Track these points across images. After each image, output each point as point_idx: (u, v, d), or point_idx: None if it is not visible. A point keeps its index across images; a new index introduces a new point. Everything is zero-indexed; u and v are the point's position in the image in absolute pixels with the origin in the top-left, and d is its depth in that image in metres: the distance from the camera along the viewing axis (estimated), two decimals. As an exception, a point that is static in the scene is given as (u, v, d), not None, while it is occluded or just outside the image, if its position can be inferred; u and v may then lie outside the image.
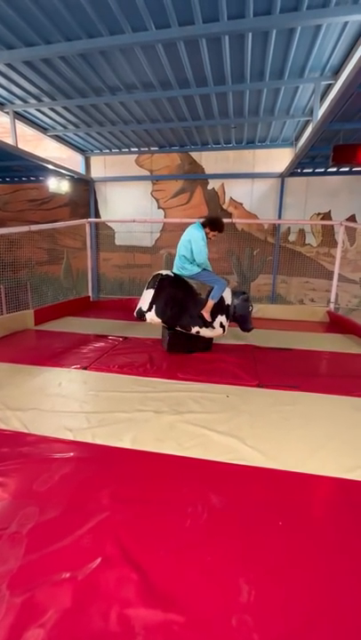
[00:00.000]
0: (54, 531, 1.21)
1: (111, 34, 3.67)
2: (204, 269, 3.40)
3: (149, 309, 3.26)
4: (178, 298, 3.26)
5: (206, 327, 3.28)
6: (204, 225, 3.31)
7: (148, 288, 3.34)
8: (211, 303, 3.26)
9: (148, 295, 3.30)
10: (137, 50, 3.98)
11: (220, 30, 3.50)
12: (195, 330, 3.27)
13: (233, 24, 3.43)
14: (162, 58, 4.13)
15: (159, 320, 3.26)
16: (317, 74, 4.51)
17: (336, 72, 4.42)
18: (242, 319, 3.48)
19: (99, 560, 1.09)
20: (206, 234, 3.31)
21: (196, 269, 3.34)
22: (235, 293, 3.49)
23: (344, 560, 1.14)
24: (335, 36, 3.71)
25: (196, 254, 3.26)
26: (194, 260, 3.31)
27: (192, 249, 3.27)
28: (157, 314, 3.24)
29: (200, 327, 3.28)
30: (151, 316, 3.26)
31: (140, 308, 3.33)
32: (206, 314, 3.26)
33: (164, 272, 3.40)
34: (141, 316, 3.32)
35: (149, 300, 3.26)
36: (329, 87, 4.79)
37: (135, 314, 3.39)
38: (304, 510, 1.37)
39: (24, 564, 1.07)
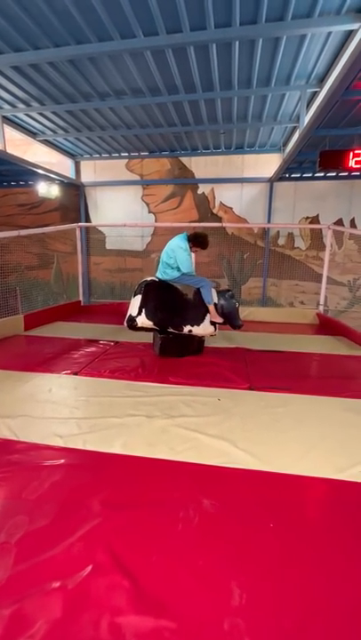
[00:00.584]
0: (44, 539, 1.19)
1: (100, 40, 3.70)
2: (185, 274, 3.46)
3: (139, 314, 3.28)
4: (166, 299, 3.32)
5: (198, 325, 3.33)
6: (189, 239, 3.42)
7: (135, 295, 3.40)
8: (211, 308, 3.36)
9: (135, 301, 3.34)
10: (125, 56, 4.01)
11: (208, 38, 3.56)
12: (187, 329, 3.31)
13: (220, 32, 3.49)
14: (150, 64, 4.17)
15: (151, 323, 3.27)
16: (303, 81, 4.61)
17: (321, 80, 4.53)
18: (230, 316, 3.53)
19: (90, 568, 1.08)
20: (190, 247, 3.43)
21: (177, 274, 3.42)
22: (219, 292, 3.55)
23: (336, 560, 1.15)
24: (319, 46, 3.81)
25: (180, 264, 3.35)
26: (176, 267, 3.40)
27: (176, 258, 3.35)
28: (148, 317, 3.26)
29: (192, 326, 3.32)
30: (142, 320, 3.27)
31: (130, 315, 3.34)
32: (215, 318, 3.37)
33: (149, 278, 3.49)
34: (132, 322, 3.32)
35: (138, 305, 3.30)
36: (315, 94, 4.90)
37: (125, 323, 3.40)
38: (296, 512, 1.37)
39: (13, 575, 1.05)
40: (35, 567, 1.08)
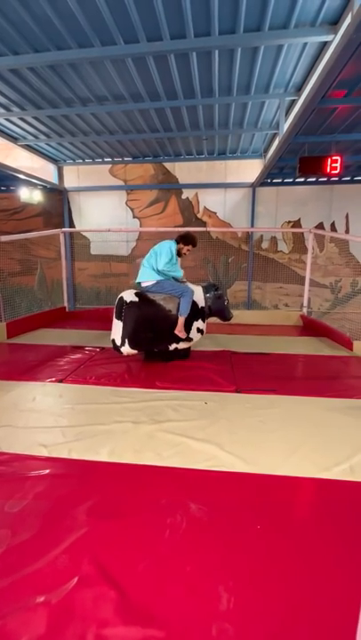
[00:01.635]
0: (27, 553, 1.16)
1: (80, 47, 3.70)
2: (167, 279, 3.32)
3: (123, 344, 3.17)
4: (147, 321, 3.15)
5: (184, 342, 3.30)
6: (177, 241, 3.39)
7: (116, 318, 3.21)
8: (181, 320, 3.20)
9: (117, 327, 3.18)
10: (107, 63, 4.03)
11: (187, 47, 3.62)
12: (172, 347, 3.27)
13: (199, 41, 3.56)
14: (132, 71, 4.21)
15: (135, 351, 3.22)
16: (282, 90, 4.75)
17: (299, 89, 4.67)
18: (219, 313, 3.50)
19: (75, 580, 1.06)
20: (180, 249, 3.38)
21: (155, 276, 3.28)
22: (205, 288, 3.45)
23: (321, 559, 1.16)
24: (296, 56, 3.93)
25: (159, 257, 3.24)
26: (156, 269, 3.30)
27: (159, 254, 3.27)
28: (132, 347, 3.16)
29: (177, 343, 3.27)
30: (127, 350, 3.19)
31: (114, 342, 3.22)
32: (179, 332, 3.20)
33: (127, 296, 3.21)
34: (117, 350, 3.22)
35: (120, 335, 3.16)
36: (293, 102, 5.04)
37: (112, 346, 3.29)
38: (283, 512, 1.39)
39: (-5, 592, 1.02)
40: (17, 583, 1.05)
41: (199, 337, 3.39)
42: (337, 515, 1.37)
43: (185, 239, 3.39)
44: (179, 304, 3.24)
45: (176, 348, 3.28)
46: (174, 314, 3.22)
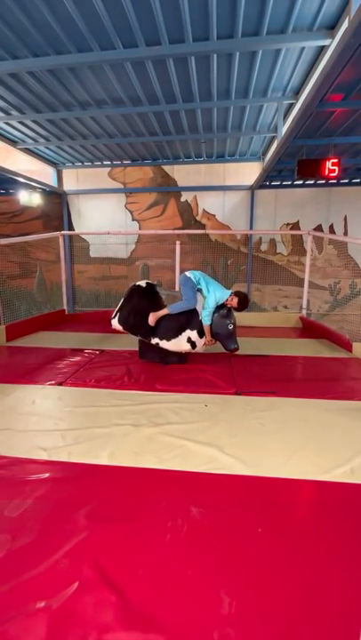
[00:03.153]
0: (27, 558, 1.15)
1: (79, 51, 3.73)
2: (192, 286, 3.16)
3: (114, 316, 3.33)
4: (142, 308, 3.21)
5: (167, 340, 3.15)
6: (238, 297, 3.17)
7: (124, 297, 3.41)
8: (163, 312, 3.12)
9: (119, 303, 3.37)
10: (106, 67, 4.05)
11: (186, 51, 3.65)
12: (154, 341, 3.20)
13: (198, 46, 3.58)
14: (131, 75, 4.23)
15: (121, 327, 3.31)
16: (280, 93, 4.78)
17: (297, 92, 4.70)
18: (220, 338, 3.16)
19: (75, 585, 1.05)
20: (228, 302, 3.15)
21: (190, 282, 3.15)
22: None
23: (322, 562, 1.16)
24: (294, 60, 3.96)
25: (209, 298, 3.10)
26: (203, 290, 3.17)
27: (205, 287, 3.16)
28: (120, 321, 3.30)
29: (160, 339, 3.16)
30: (115, 323, 3.34)
31: (111, 315, 3.41)
32: (152, 317, 3.11)
33: (141, 282, 3.38)
34: (110, 323, 3.40)
35: (117, 308, 3.34)
36: (291, 106, 5.08)
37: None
38: (283, 515, 1.38)
39: (-6, 597, 1.01)
40: (17, 588, 1.04)
41: (188, 347, 3.19)
42: (338, 517, 1.37)
43: (242, 303, 3.17)
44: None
45: (157, 344, 3.18)
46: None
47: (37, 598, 1.01)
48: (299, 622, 0.96)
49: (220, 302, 3.15)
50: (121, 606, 0.98)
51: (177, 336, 3.16)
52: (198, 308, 3.20)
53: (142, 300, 3.28)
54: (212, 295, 3.13)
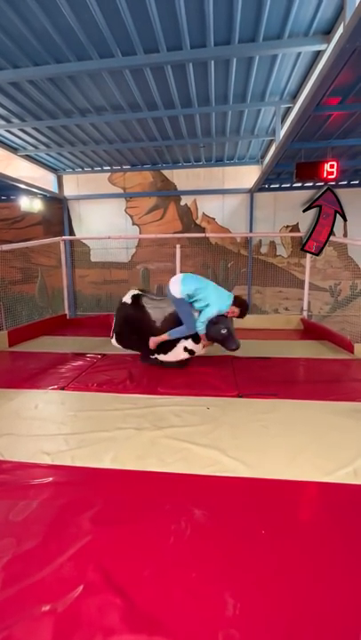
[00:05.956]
0: (32, 562, 1.16)
1: (79, 60, 3.78)
2: (189, 302, 3.06)
3: (112, 337, 3.44)
4: (134, 326, 3.23)
5: (165, 354, 3.20)
6: (236, 301, 3.12)
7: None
8: (164, 337, 3.10)
9: (113, 321, 3.46)
10: (105, 75, 4.11)
11: (184, 58, 3.69)
12: (153, 356, 3.28)
13: (195, 52, 3.63)
14: (130, 82, 4.28)
15: (120, 347, 3.41)
16: (277, 98, 4.82)
17: (294, 96, 4.74)
18: (218, 341, 3.17)
19: (80, 588, 1.05)
20: (230, 314, 3.11)
21: (182, 296, 3.01)
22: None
23: (326, 563, 1.16)
24: (291, 65, 4.00)
25: (205, 311, 3.01)
26: (192, 299, 3.07)
27: (204, 299, 3.02)
28: (117, 341, 3.40)
29: (158, 354, 3.23)
30: (114, 342, 3.44)
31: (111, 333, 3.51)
32: (152, 342, 3.13)
33: (126, 297, 3.32)
34: (111, 340, 3.50)
35: (113, 328, 3.43)
36: (289, 110, 5.12)
37: None
38: (288, 517, 1.38)
39: (0, 601, 1.02)
40: (23, 591, 1.05)
41: (186, 356, 3.22)
42: (342, 518, 1.37)
43: (242, 312, 3.15)
44: (165, 319, 3.16)
45: (157, 359, 3.29)
46: (158, 326, 3.17)
47: (43, 601, 1.01)
48: (303, 624, 0.96)
49: (222, 314, 3.07)
50: (126, 609, 0.99)
51: (173, 348, 3.19)
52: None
53: (132, 318, 3.25)
54: (214, 308, 3.00)
